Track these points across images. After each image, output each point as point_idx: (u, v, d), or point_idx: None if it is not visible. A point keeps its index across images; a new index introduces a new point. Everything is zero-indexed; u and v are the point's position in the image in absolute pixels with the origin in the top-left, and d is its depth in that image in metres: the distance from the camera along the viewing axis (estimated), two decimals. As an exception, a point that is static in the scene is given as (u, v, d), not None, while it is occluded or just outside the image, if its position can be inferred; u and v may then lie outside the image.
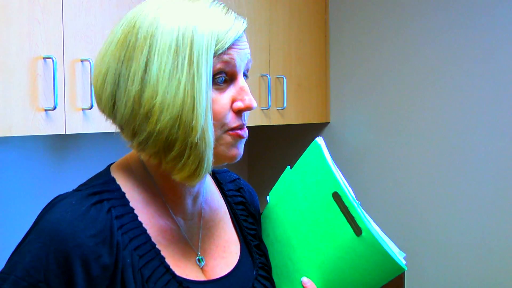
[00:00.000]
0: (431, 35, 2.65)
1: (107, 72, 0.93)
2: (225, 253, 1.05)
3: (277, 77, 2.51)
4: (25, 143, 1.97)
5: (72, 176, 2.11)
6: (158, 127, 0.89)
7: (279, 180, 1.12)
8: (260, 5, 2.41)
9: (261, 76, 2.42)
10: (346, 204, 0.99)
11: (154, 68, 0.89)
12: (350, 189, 1.03)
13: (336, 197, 1.00)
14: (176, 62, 0.89)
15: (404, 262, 1.01)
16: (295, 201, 1.06)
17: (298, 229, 1.05)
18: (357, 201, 1.01)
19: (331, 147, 1.11)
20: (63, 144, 2.11)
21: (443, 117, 2.64)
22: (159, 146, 0.91)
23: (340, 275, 1.02)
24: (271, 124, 2.50)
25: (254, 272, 1.06)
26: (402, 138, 2.74)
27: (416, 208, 2.72)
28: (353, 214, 0.99)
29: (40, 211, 0.94)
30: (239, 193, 1.15)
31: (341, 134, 2.88)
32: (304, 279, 1.04)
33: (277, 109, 2.52)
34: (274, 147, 3.06)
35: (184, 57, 0.89)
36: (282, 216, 1.09)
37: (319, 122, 2.86)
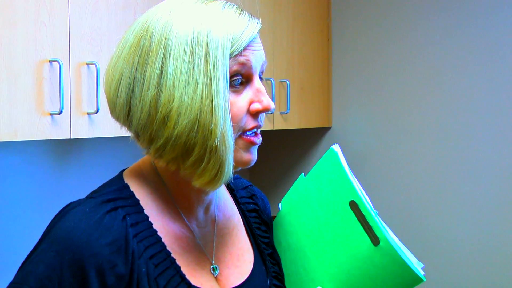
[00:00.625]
0: (434, 39, 2.64)
1: (120, 78, 0.91)
2: (239, 261, 1.03)
3: (281, 82, 2.49)
4: (28, 148, 1.95)
5: (77, 182, 2.09)
6: (176, 132, 0.87)
7: (292, 187, 1.10)
8: (264, 9, 2.40)
9: (265, 80, 2.40)
10: (364, 213, 0.98)
11: (170, 71, 0.87)
12: (367, 197, 1.02)
13: (353, 205, 0.99)
14: (192, 64, 0.87)
15: (422, 272, 0.99)
16: (309, 209, 1.04)
17: (312, 238, 1.03)
18: (374, 210, 0.99)
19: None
20: (66, 148, 2.09)
21: (446, 121, 2.63)
22: (177, 151, 0.89)
23: (356, 285, 1.00)
24: (274, 128, 2.48)
25: (268, 282, 1.04)
26: (405, 142, 2.73)
27: (420, 213, 2.70)
28: (371, 223, 0.97)
29: (44, 216, 0.92)
30: (252, 200, 1.13)
31: (343, 139, 2.86)
32: (319, 289, 1.02)
33: (280, 114, 2.50)
34: (276, 152, 3.04)
35: (200, 59, 0.87)
36: (295, 224, 1.07)
37: (321, 126, 2.85)
